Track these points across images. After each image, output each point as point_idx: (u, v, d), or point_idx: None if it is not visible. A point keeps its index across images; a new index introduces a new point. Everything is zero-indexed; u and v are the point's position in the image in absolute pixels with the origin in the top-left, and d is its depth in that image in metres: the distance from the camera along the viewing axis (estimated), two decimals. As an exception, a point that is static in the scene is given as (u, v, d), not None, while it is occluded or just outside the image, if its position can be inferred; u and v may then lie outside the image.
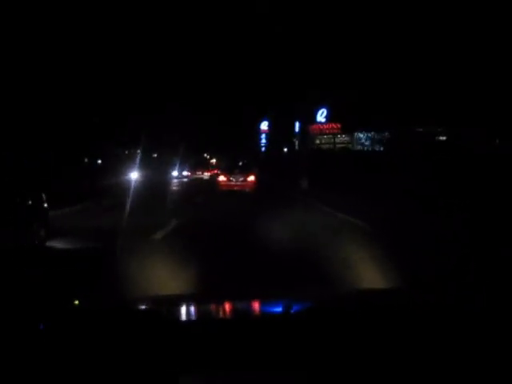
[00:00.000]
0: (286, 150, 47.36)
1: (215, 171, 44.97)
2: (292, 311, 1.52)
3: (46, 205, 6.84)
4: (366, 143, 30.72)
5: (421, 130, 25.21)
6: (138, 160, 31.19)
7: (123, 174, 27.01)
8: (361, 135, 31.53)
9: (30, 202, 6.38)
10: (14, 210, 5.93)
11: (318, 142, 39.03)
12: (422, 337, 1.15)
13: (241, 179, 19.39)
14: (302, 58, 37.17)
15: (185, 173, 48.71)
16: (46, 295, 1.96)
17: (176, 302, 1.69)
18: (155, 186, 24.22)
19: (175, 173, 45.16)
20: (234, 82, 54.12)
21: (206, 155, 74.29)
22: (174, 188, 28.19)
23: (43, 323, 1.20)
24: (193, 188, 27.04)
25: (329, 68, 32.79)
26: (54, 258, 6.01)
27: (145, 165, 37.60)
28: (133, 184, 20.65)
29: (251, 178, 19.47)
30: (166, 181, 31.18)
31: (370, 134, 30.81)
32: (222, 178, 19.97)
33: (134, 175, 32.26)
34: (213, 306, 1.64)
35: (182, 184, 35.05)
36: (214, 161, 71.64)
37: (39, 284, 3.94)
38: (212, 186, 21.55)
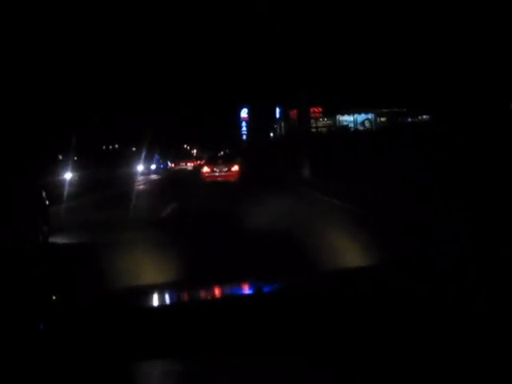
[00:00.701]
0: (272, 135, 45.63)
1: (198, 162, 44.81)
2: (262, 293, 1.53)
3: (47, 201, 7.04)
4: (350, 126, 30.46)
5: (404, 110, 25.04)
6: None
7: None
8: (345, 118, 31.17)
9: (33, 200, 6.61)
10: (20, 207, 6.06)
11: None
12: (394, 314, 1.17)
13: (225, 169, 19.40)
14: (278, 41, 36.73)
15: (169, 164, 50.02)
16: (46, 295, 1.90)
17: (153, 289, 1.71)
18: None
19: (153, 166, 45.58)
20: (209, 69, 53.54)
21: (186, 146, 73.50)
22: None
23: (43, 323, 1.20)
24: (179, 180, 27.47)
25: (308, 51, 32.35)
26: (57, 254, 6.28)
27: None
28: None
29: (235, 168, 19.48)
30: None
31: (353, 117, 30.49)
32: (205, 169, 19.91)
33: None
34: (180, 293, 1.65)
35: (167, 175, 37.00)
36: (194, 151, 71.03)
37: (39, 284, 3.96)
38: (196, 176, 22.19)
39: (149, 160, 45.61)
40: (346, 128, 29.16)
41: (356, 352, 1.04)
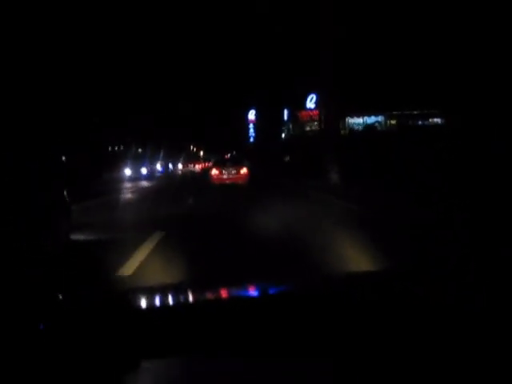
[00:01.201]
0: (283, 137, 44.02)
1: (206, 164, 44.97)
2: (268, 295, 1.54)
3: (67, 199, 7.20)
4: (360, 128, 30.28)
5: (415, 112, 24.87)
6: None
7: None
8: (354, 120, 30.97)
9: (57, 197, 6.84)
10: (47, 205, 6.27)
11: (308, 128, 38.47)
12: (404, 320, 1.17)
13: (233, 172, 19.33)
14: (289, 44, 36.64)
15: (179, 165, 50.32)
16: (46, 295, 1.83)
17: (157, 290, 1.72)
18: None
19: (143, 170, 38.79)
20: (217, 70, 53.53)
21: (192, 147, 73.61)
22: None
23: (43, 323, 1.20)
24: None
25: (317, 53, 32.27)
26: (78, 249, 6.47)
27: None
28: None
29: (244, 171, 19.41)
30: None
31: (363, 119, 30.29)
32: (214, 172, 19.85)
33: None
34: (185, 294, 1.65)
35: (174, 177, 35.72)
36: (201, 153, 71.05)
37: (39, 284, 3.96)
38: (204, 178, 22.44)
39: (150, 162, 42.60)
40: (372, 127, 26.89)
41: (359, 354, 1.06)
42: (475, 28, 17.22)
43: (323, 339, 1.11)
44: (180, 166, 52.50)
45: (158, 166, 43.39)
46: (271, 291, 1.63)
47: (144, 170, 37.71)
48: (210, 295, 1.66)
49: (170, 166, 49.56)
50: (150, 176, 36.43)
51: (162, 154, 47.49)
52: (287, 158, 33.79)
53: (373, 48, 25.15)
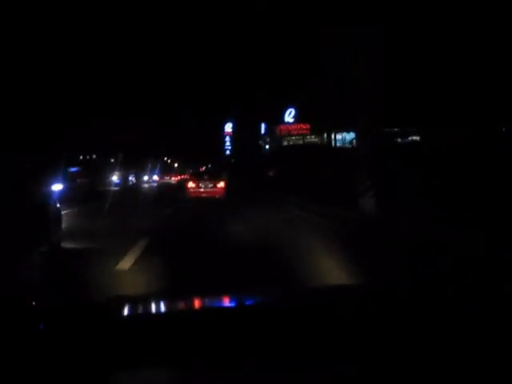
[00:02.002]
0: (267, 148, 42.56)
1: (182, 176, 44.65)
2: (243, 306, 1.55)
3: (58, 205, 7.42)
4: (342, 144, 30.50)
5: (396, 129, 25.19)
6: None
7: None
8: (338, 136, 31.18)
9: (47, 204, 6.94)
10: (36, 211, 6.39)
11: (285, 143, 38.67)
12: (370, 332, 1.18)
13: (210, 185, 19.00)
14: (268, 56, 36.97)
15: (130, 179, 46.57)
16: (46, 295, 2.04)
17: (139, 299, 1.74)
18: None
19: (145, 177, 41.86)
20: (194, 82, 53.52)
21: (166, 159, 72.99)
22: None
23: (43, 323, 1.21)
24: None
25: (296, 67, 32.57)
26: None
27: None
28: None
29: (221, 185, 19.10)
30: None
31: (341, 135, 30.56)
32: (191, 185, 19.47)
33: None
34: (163, 303, 1.67)
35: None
36: (176, 165, 70.50)
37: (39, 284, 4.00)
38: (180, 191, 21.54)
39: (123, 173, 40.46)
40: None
41: (348, 366, 1.07)
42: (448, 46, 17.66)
43: (306, 351, 1.12)
44: (156, 177, 51.48)
45: (115, 178, 36.15)
46: (248, 302, 1.64)
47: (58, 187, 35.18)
48: (192, 306, 1.66)
49: (131, 177, 43.33)
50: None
51: (119, 164, 40.89)
52: (272, 173, 32.81)
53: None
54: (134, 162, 47.03)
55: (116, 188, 31.16)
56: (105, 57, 31.56)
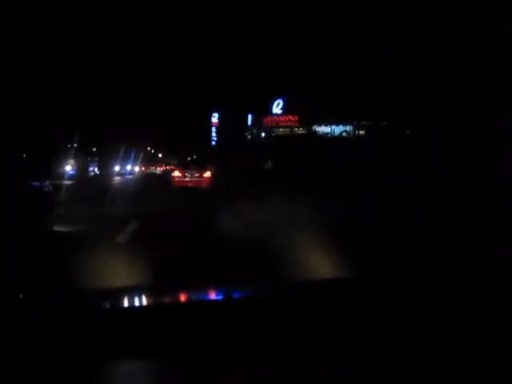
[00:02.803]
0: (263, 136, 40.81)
1: (167, 167, 44.02)
2: (231, 299, 1.57)
3: (52, 191, 8.19)
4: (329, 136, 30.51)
5: (384, 123, 25.33)
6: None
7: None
8: (322, 128, 31.22)
9: (42, 190, 7.69)
10: (31, 197, 7.09)
11: (273, 135, 38.62)
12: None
13: (196, 175, 18.90)
14: (255, 46, 36.81)
15: (136, 168, 44.20)
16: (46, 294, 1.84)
17: (125, 292, 1.75)
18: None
19: (116, 168, 36.68)
20: (180, 71, 53.15)
21: (149, 149, 72.31)
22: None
23: (43, 323, 1.21)
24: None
25: (283, 57, 32.52)
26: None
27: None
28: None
29: (207, 174, 19.04)
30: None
31: (330, 128, 30.60)
32: (176, 174, 19.34)
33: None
34: (151, 296, 1.69)
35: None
36: (160, 155, 70.10)
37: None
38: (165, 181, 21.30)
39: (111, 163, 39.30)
40: None
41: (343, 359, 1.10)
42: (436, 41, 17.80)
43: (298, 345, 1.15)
44: (136, 168, 47.68)
45: (68, 168, 28.38)
46: (236, 295, 1.67)
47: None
48: (181, 298, 1.69)
49: (92, 167, 35.85)
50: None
51: (73, 152, 38.15)
52: (268, 165, 31.80)
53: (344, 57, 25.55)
54: (107, 151, 42.53)
55: (68, 181, 25.97)
56: (93, 44, 31.13)
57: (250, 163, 32.36)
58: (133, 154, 47.58)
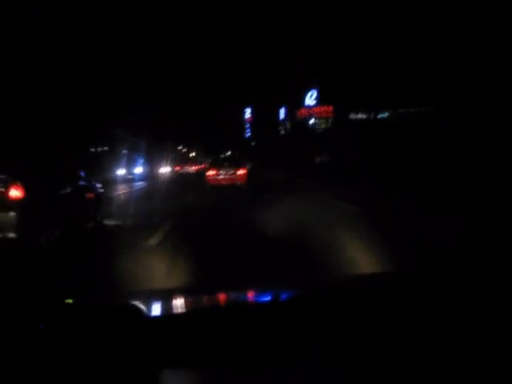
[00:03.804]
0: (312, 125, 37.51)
1: (201, 166, 44.24)
2: (280, 300, 1.58)
3: (101, 190, 9.32)
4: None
5: (423, 109, 24.65)
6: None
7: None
8: (360, 116, 30.54)
9: (95, 190, 8.81)
10: (89, 196, 8.22)
11: (299, 128, 38.31)
12: (416, 325, 1.21)
13: (231, 172, 18.94)
14: (287, 38, 36.63)
15: (166, 169, 43.52)
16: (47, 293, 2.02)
17: (166, 295, 1.76)
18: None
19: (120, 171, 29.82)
20: (210, 67, 53.55)
21: (180, 148, 72.73)
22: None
23: (43, 323, 1.23)
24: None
25: (317, 47, 32.25)
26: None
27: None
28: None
29: (242, 172, 19.13)
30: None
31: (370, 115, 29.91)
32: (210, 172, 19.43)
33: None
34: (197, 299, 1.71)
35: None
36: (193, 154, 70.70)
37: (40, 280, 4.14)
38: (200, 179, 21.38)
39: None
40: None
41: (369, 359, 1.10)
42: (468, 29, 17.28)
43: (336, 344, 1.17)
44: (166, 169, 43.55)
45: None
46: (283, 297, 1.67)
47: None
48: (217, 301, 1.70)
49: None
50: None
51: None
52: (320, 159, 29.60)
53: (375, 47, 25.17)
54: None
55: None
56: (118, 43, 31.64)
57: (294, 157, 30.92)
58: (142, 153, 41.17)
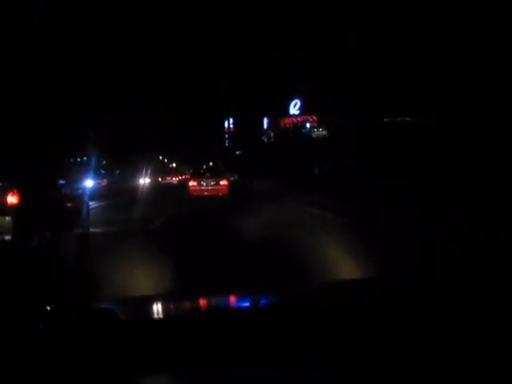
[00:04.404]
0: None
1: (183, 176, 44.23)
2: (259, 306, 1.59)
3: (87, 198, 9.60)
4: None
5: (408, 119, 25.14)
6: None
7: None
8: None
9: (83, 199, 9.26)
10: (78, 204, 8.71)
11: (290, 136, 38.68)
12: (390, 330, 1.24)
13: (212, 183, 18.98)
14: (272, 47, 37.02)
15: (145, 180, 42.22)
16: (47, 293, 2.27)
17: (149, 300, 1.81)
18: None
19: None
20: (190, 77, 53.57)
21: (161, 158, 72.42)
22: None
23: (43, 323, 1.26)
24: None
25: (302, 56, 32.65)
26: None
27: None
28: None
29: (224, 182, 19.07)
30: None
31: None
32: (192, 183, 19.43)
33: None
34: (187, 303, 1.73)
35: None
36: (174, 165, 70.46)
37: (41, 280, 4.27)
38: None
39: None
40: None
41: (360, 363, 1.12)
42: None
43: (331, 349, 1.18)
44: (147, 180, 43.82)
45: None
46: (270, 300, 1.68)
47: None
48: (206, 306, 1.72)
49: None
50: None
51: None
52: (323, 168, 28.94)
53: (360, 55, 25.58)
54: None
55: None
56: (102, 51, 31.55)
57: (286, 167, 29.87)
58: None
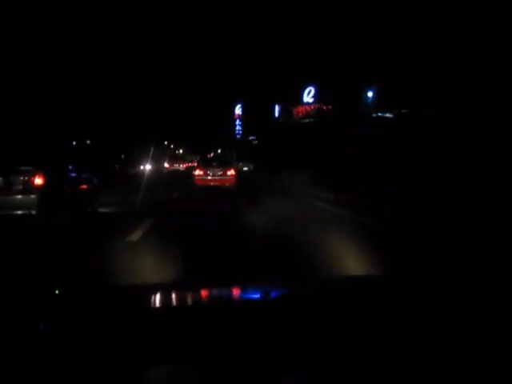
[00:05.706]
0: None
1: (189, 164, 44.38)
2: (270, 298, 1.63)
3: (97, 181, 11.00)
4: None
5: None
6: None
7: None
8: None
9: (93, 182, 10.58)
10: (88, 186, 10.04)
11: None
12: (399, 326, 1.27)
13: (219, 173, 18.66)
14: (284, 32, 36.89)
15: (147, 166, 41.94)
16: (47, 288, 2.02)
17: (154, 289, 1.82)
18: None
19: None
20: (200, 62, 53.64)
21: (166, 143, 71.55)
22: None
23: (43, 323, 1.28)
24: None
25: (316, 41, 32.59)
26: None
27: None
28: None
29: (231, 172, 18.67)
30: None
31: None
32: (198, 172, 19.20)
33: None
34: (189, 294, 1.76)
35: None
36: (181, 151, 70.57)
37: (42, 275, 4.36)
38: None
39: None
40: None
41: (365, 360, 1.15)
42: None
43: (328, 345, 1.21)
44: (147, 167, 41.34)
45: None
46: (274, 294, 1.73)
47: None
48: (211, 297, 1.76)
49: None
50: None
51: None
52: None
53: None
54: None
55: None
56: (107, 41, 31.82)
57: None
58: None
